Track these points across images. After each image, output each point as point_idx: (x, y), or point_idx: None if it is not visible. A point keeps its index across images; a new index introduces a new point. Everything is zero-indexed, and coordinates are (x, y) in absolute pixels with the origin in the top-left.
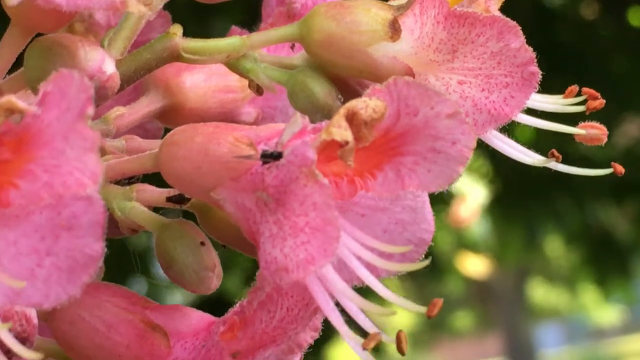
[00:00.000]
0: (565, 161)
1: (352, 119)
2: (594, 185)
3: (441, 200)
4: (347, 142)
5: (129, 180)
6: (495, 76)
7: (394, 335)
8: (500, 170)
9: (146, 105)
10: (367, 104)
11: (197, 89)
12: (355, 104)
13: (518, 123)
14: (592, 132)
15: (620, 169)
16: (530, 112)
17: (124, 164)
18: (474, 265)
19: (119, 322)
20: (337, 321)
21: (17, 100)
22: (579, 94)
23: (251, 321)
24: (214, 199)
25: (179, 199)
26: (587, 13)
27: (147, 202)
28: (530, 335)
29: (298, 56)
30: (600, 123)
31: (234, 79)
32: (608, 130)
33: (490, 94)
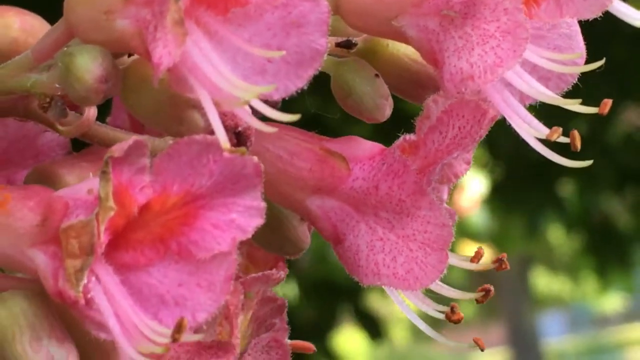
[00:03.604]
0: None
1: None
2: (594, 173)
3: None
4: None
5: None
6: None
7: None
8: (500, 159)
9: None
10: None
11: None
12: None
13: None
14: None
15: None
16: None
17: None
18: None
19: (300, 150)
20: (517, 122)
21: None
22: None
23: (423, 143)
24: (394, 28)
25: (347, 44)
26: None
27: None
28: (533, 324)
29: None
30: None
31: None
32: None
33: None
